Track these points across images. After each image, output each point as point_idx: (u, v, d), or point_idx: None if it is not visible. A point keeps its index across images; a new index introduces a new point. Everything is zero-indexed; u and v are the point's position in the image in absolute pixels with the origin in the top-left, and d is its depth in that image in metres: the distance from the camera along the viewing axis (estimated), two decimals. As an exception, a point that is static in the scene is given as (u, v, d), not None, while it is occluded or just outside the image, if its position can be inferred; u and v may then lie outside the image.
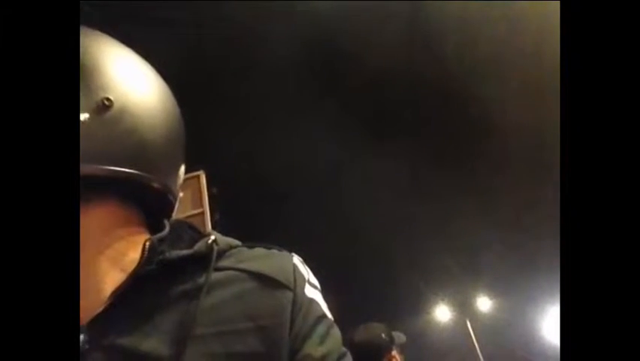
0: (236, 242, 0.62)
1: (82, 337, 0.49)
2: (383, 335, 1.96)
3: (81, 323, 0.50)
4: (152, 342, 0.49)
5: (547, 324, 12.27)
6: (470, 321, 11.60)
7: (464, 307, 12.10)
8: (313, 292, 0.59)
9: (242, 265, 0.57)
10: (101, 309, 0.51)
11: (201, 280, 0.54)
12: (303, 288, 0.57)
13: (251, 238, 0.64)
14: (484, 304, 12.38)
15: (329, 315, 0.59)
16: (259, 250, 0.61)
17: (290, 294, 0.56)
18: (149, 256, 0.54)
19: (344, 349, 0.56)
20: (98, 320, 0.50)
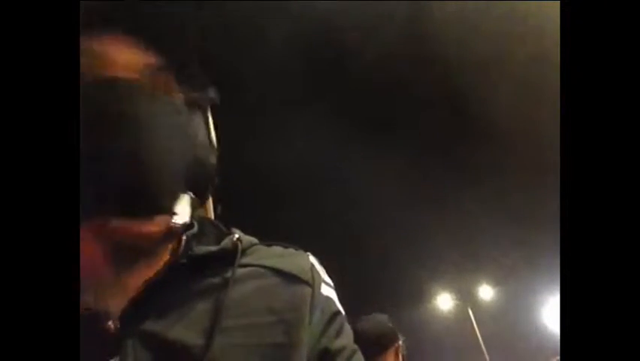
0: (255, 240, 0.64)
1: (113, 323, 0.51)
2: (390, 325, 1.99)
3: (114, 311, 0.52)
4: (181, 331, 0.51)
5: (547, 313, 12.33)
6: (472, 309, 11.65)
7: (466, 296, 12.17)
8: (328, 289, 0.62)
9: (264, 262, 0.60)
10: (132, 295, 0.53)
11: (227, 274, 0.57)
12: (320, 285, 0.60)
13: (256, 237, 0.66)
14: (486, 292, 12.45)
15: (343, 312, 0.62)
16: (277, 249, 0.64)
17: (309, 290, 0.58)
18: (184, 250, 0.56)
19: (355, 345, 0.59)
20: (130, 307, 0.53)
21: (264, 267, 0.59)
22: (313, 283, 0.59)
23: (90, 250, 0.52)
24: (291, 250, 0.64)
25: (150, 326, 0.52)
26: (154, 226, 0.54)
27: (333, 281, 0.64)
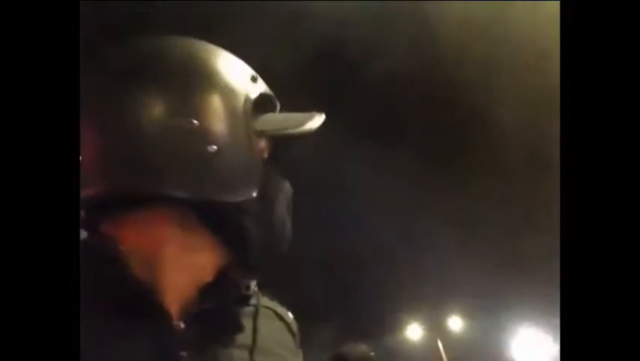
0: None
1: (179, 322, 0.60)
2: (372, 354, 2.10)
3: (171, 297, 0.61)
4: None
5: (518, 347, 12.44)
6: (442, 341, 11.75)
7: (436, 327, 12.26)
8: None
9: (269, 305, 0.73)
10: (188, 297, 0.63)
11: (249, 308, 0.69)
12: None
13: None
14: (456, 324, 12.57)
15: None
16: (266, 299, 0.75)
17: (294, 330, 0.76)
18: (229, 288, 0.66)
19: None
20: (189, 308, 0.62)
21: (270, 309, 0.73)
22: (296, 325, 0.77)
23: (162, 231, 0.61)
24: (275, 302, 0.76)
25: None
26: None
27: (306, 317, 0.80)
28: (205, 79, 0.63)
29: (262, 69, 0.71)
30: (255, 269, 0.69)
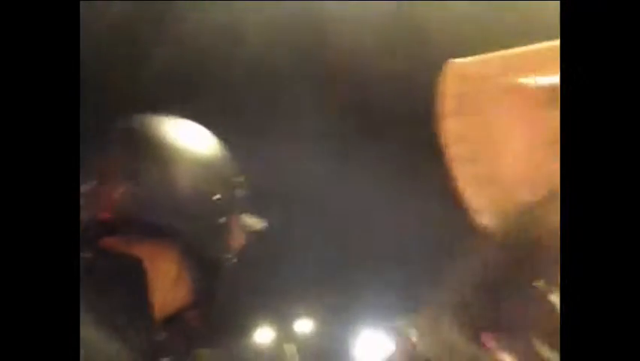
0: None
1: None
2: None
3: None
4: None
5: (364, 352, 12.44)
6: (289, 346, 11.73)
7: (285, 332, 12.21)
8: None
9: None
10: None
11: None
12: None
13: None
14: (307, 329, 12.52)
15: None
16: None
17: None
18: None
19: None
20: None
21: None
22: None
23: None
24: None
25: None
26: None
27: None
28: None
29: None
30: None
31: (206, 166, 0.77)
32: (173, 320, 0.74)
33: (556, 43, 0.52)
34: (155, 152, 0.72)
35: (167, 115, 0.80)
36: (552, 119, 0.52)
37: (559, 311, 0.46)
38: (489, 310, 0.44)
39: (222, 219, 0.77)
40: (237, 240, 0.81)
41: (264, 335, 12.23)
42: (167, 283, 0.72)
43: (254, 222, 0.85)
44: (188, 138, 0.77)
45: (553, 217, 0.45)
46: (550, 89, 0.52)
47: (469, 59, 0.57)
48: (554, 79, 0.52)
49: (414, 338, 0.43)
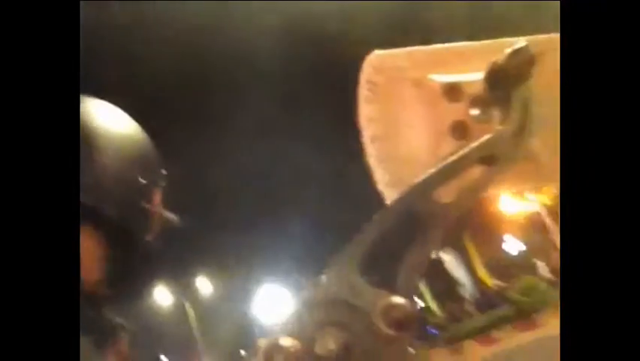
0: None
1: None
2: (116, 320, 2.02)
3: None
4: None
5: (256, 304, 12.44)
6: (189, 305, 11.67)
7: (185, 291, 12.18)
8: None
9: None
10: None
11: None
12: None
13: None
14: (205, 288, 12.49)
15: None
16: None
17: None
18: None
19: None
20: None
21: None
22: None
23: None
24: None
25: None
26: None
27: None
28: None
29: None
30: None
31: (132, 153, 0.82)
32: (91, 298, 0.75)
33: (474, 43, 0.60)
34: (82, 136, 0.74)
35: (100, 104, 0.83)
36: (448, 111, 0.59)
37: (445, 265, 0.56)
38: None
39: (146, 205, 0.81)
40: (156, 225, 0.85)
41: (166, 297, 12.27)
42: (90, 263, 0.74)
43: (170, 215, 0.89)
44: (118, 126, 0.82)
45: (437, 194, 0.51)
46: (449, 85, 0.58)
47: (389, 51, 0.62)
48: (457, 77, 0.59)
49: (324, 280, 0.46)
